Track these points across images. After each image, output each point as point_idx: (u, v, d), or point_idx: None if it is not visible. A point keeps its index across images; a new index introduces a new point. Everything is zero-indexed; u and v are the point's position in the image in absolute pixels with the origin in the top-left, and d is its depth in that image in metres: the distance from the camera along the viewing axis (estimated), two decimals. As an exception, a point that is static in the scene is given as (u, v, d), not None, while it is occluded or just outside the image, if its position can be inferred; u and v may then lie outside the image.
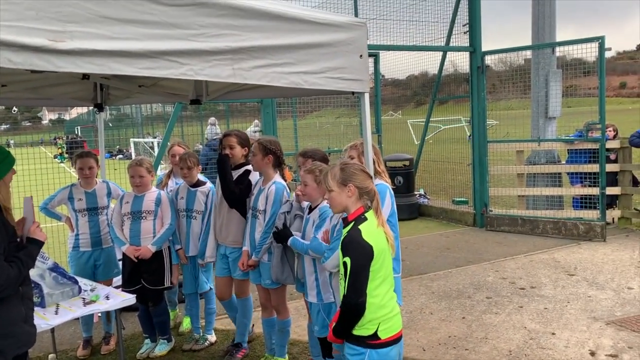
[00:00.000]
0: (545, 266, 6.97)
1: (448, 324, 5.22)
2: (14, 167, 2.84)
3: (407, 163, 10.60)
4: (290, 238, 3.67)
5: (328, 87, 3.17)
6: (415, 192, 10.96)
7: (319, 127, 13.04)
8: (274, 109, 7.70)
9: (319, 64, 3.08)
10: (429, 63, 11.52)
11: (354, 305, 2.68)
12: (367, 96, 3.45)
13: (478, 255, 7.63)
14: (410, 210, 10.44)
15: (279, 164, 4.22)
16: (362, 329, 2.72)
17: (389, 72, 13.06)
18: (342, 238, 2.79)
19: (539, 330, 5.00)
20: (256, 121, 10.79)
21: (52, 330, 4.46)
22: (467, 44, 9.33)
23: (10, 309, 2.63)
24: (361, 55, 3.33)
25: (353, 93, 3.48)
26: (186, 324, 5.29)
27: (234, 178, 4.42)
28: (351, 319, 2.73)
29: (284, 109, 10.40)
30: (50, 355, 4.33)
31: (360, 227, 2.74)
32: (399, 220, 10.44)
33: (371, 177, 2.93)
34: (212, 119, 12.99)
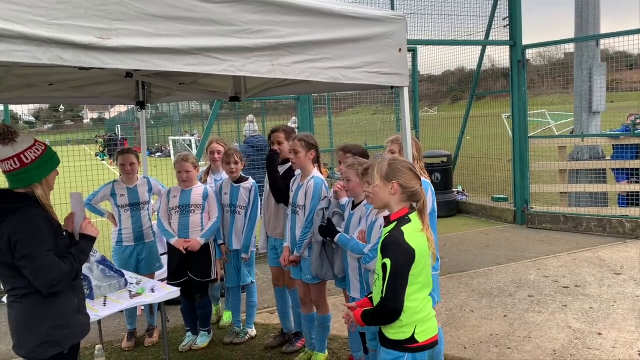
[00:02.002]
0: (589, 265, 6.77)
1: (489, 322, 5.13)
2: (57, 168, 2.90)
3: (445, 159, 10.46)
4: (338, 235, 3.62)
5: (367, 81, 3.15)
6: (453, 189, 10.81)
7: (355, 123, 12.99)
8: (311, 106, 7.71)
9: (357, 58, 3.07)
10: (465, 58, 11.34)
11: (391, 310, 2.60)
12: (406, 90, 3.42)
13: (519, 253, 7.47)
14: (448, 208, 10.30)
15: (317, 159, 4.23)
16: (399, 333, 2.66)
17: (424, 67, 12.94)
18: (382, 238, 2.70)
19: (585, 330, 4.86)
20: (294, 118, 10.82)
21: (99, 322, 4.59)
22: (507, 38, 9.14)
23: (64, 300, 2.71)
24: (400, 49, 3.30)
25: (392, 87, 3.45)
26: (227, 317, 5.37)
27: (281, 173, 4.49)
28: (385, 322, 2.68)
29: (319, 107, 10.42)
30: (97, 346, 4.44)
31: (403, 228, 2.64)
32: (437, 217, 10.31)
33: (419, 178, 2.76)
34: (250, 117, 13.12)
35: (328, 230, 3.73)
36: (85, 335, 2.88)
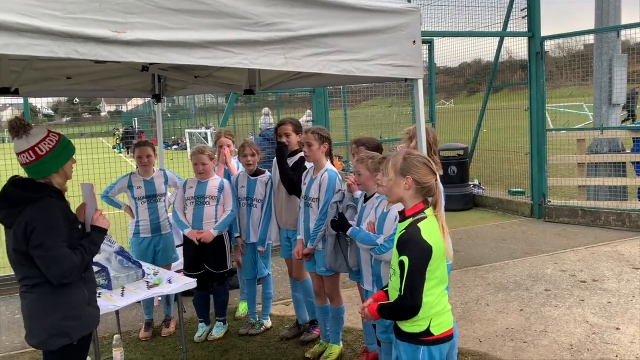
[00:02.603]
0: (608, 259, 6.68)
1: (505, 316, 5.10)
2: (74, 157, 2.93)
3: (461, 152, 10.38)
4: (350, 229, 3.62)
5: (380, 74, 3.13)
6: (470, 183, 10.73)
7: (371, 116, 12.94)
8: (327, 99, 7.70)
9: (371, 51, 3.05)
10: (482, 50, 11.20)
11: (410, 307, 2.60)
12: (421, 83, 3.39)
13: (536, 247, 7.41)
14: (464, 201, 10.24)
15: (330, 152, 4.24)
16: (414, 326, 2.66)
17: (440, 60, 12.80)
18: (399, 234, 2.67)
19: (603, 324, 4.81)
20: (309, 111, 10.82)
21: (117, 312, 4.67)
22: (526, 29, 9.01)
23: (74, 292, 2.75)
24: (414, 42, 3.27)
25: (406, 80, 3.43)
26: (242, 309, 5.42)
27: (291, 165, 4.51)
28: (403, 318, 2.68)
29: (335, 99, 10.39)
30: (116, 336, 4.52)
31: (419, 225, 2.62)
32: (453, 210, 10.32)
33: (434, 173, 2.73)
34: (265, 110, 13.13)
35: (340, 224, 3.74)
36: (95, 327, 2.91)
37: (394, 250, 2.69)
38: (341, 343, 4.45)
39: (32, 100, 6.94)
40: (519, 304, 5.38)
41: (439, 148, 10.04)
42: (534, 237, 7.96)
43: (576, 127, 9.05)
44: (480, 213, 9.98)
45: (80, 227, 2.90)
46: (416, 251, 2.57)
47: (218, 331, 4.94)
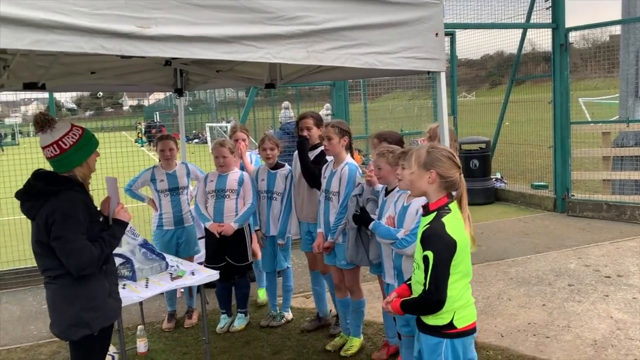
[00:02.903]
0: (633, 254, 6.57)
1: (527, 311, 5.06)
2: (97, 150, 2.98)
3: (483, 146, 10.28)
4: (372, 222, 3.60)
5: (402, 67, 3.12)
6: (492, 176, 10.62)
7: (392, 109, 12.88)
8: (347, 92, 7.69)
9: (393, 43, 3.04)
10: (504, 42, 11.04)
11: (434, 302, 2.59)
12: (443, 75, 3.37)
13: (559, 241, 7.32)
14: (486, 195, 10.14)
15: (350, 145, 4.24)
16: (437, 319, 2.65)
17: (462, 52, 12.66)
18: (423, 229, 2.66)
19: (627, 320, 4.75)
20: (327, 105, 10.80)
21: (141, 303, 4.75)
22: (549, 20, 8.86)
23: (95, 284, 2.79)
24: (437, 34, 3.25)
25: (429, 72, 3.41)
26: (262, 295, 5.49)
27: (312, 158, 4.53)
28: (427, 313, 2.68)
29: (354, 92, 10.36)
30: (139, 327, 4.61)
31: (443, 219, 2.60)
32: (475, 204, 10.22)
33: (458, 167, 2.70)
34: (285, 103, 13.16)
35: (362, 218, 3.73)
36: (115, 319, 2.96)
37: (418, 244, 2.68)
38: (361, 336, 4.46)
39: (55, 95, 7.07)
40: (541, 299, 5.33)
41: (460, 141, 10.00)
42: (556, 231, 7.86)
43: (605, 120, 8.88)
44: (502, 207, 9.89)
45: (102, 219, 2.95)
46: (440, 246, 2.56)
47: (239, 322, 4.99)
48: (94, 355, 2.90)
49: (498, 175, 11.02)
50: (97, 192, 3.04)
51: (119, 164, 7.55)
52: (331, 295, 4.71)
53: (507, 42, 10.89)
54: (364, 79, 10.43)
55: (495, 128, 11.22)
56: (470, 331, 2.71)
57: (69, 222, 2.64)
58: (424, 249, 2.60)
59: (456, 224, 2.62)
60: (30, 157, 5.99)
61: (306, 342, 4.63)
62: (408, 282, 2.88)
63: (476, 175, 10.07)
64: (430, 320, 2.67)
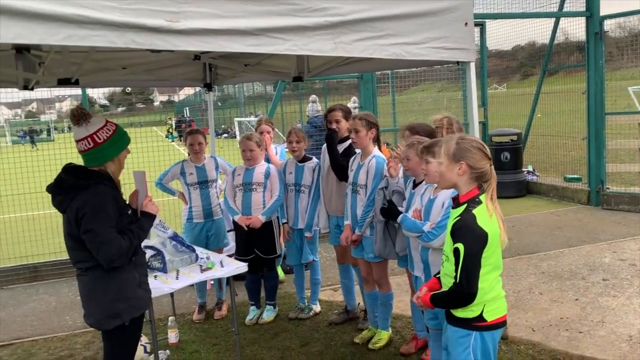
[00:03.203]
0: (671, 248, 6.38)
1: (560, 305, 4.97)
2: (129, 147, 3.03)
3: (514, 138, 10.09)
4: (400, 215, 3.57)
5: (431, 57, 3.09)
6: (523, 169, 10.43)
7: (420, 101, 12.74)
8: (374, 85, 7.64)
9: (421, 34, 3.01)
10: (536, 32, 10.80)
11: (465, 295, 2.57)
12: (472, 66, 3.33)
13: (593, 235, 7.15)
14: (517, 188, 9.97)
15: (377, 138, 4.22)
16: (466, 311, 2.62)
17: (492, 42, 12.43)
18: (453, 221, 2.62)
19: (664, 315, 4.62)
20: (354, 98, 10.76)
21: (172, 295, 4.84)
22: (583, 9, 8.62)
23: (125, 275, 2.85)
24: (466, 23, 3.21)
25: (458, 63, 3.36)
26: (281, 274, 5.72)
27: (341, 151, 4.52)
28: (457, 305, 2.65)
29: (383, 85, 10.28)
30: (170, 318, 4.69)
31: (474, 211, 2.56)
32: (506, 198, 10.08)
33: (489, 158, 2.66)
34: (313, 97, 13.17)
35: (389, 211, 3.71)
36: (145, 309, 3.01)
37: (448, 237, 2.65)
38: (390, 329, 4.45)
39: (88, 91, 7.21)
40: (574, 293, 5.22)
41: (491, 133, 9.85)
42: (590, 224, 7.68)
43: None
44: (534, 200, 9.71)
45: (130, 212, 3.00)
46: (471, 238, 2.53)
47: (268, 314, 5.04)
48: (126, 344, 2.97)
49: (530, 168, 10.81)
50: (126, 187, 3.08)
51: (149, 158, 7.67)
52: (360, 289, 4.71)
53: (539, 32, 10.66)
54: (392, 72, 10.36)
55: (526, 120, 10.99)
56: (500, 324, 2.68)
57: (98, 216, 2.70)
58: (455, 241, 2.57)
59: (487, 216, 2.58)
60: (64, 152, 6.14)
61: (334, 335, 4.64)
62: (438, 276, 2.85)
63: (507, 167, 9.90)
64: (460, 312, 2.64)
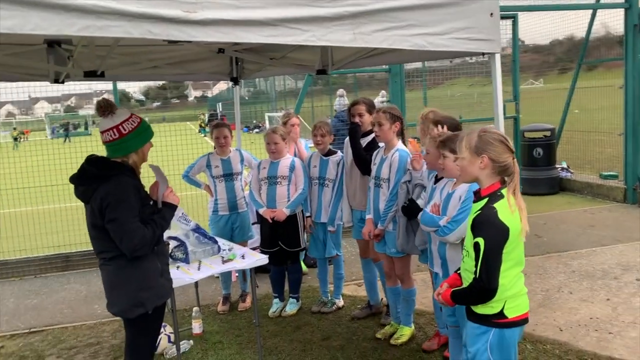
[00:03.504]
0: None
1: (589, 305, 4.83)
2: (152, 141, 3.07)
3: (547, 134, 9.83)
4: (421, 213, 3.47)
5: (454, 48, 3.01)
6: (557, 165, 10.16)
7: (450, 96, 12.56)
8: (402, 78, 7.54)
9: (444, 24, 2.94)
10: (575, 25, 10.48)
11: (485, 290, 2.51)
12: (498, 57, 3.24)
13: (628, 233, 6.91)
14: (550, 185, 9.72)
15: (401, 132, 4.16)
16: (486, 308, 2.56)
17: (529, 37, 12.15)
18: (474, 215, 2.57)
19: (700, 318, 4.44)
20: (383, 92, 10.67)
21: (196, 286, 4.90)
22: (622, 0, 8.32)
23: (148, 265, 2.89)
24: (492, 14, 3.12)
25: (483, 54, 3.28)
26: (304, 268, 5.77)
27: (364, 145, 4.49)
28: (477, 301, 2.59)
29: (414, 80, 10.18)
30: (195, 309, 4.75)
31: (495, 205, 2.51)
32: (538, 195, 9.86)
33: (511, 151, 2.59)
34: (340, 91, 13.11)
35: (410, 209, 3.65)
36: (167, 297, 3.05)
37: (468, 231, 2.60)
38: (412, 325, 4.40)
39: (124, 87, 7.38)
40: (605, 293, 5.07)
41: (523, 129, 9.63)
42: (626, 223, 7.43)
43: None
44: (567, 197, 9.45)
45: (151, 203, 3.04)
46: (492, 232, 2.47)
47: (291, 308, 5.05)
48: (148, 332, 3.02)
49: (564, 165, 10.52)
50: (147, 179, 3.13)
51: (182, 152, 7.76)
52: (382, 284, 4.67)
53: (577, 25, 10.34)
54: (423, 66, 10.24)
55: (561, 115, 10.70)
56: (521, 322, 2.61)
57: (122, 206, 2.74)
58: (475, 235, 2.51)
59: (509, 210, 2.51)
60: (97, 145, 6.26)
61: (356, 330, 4.62)
62: (458, 271, 2.80)
63: (540, 164, 9.67)
64: (479, 308, 2.59)
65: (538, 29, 11.10)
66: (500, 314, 2.55)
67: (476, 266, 2.51)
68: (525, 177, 9.43)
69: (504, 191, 2.57)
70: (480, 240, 2.48)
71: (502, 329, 2.56)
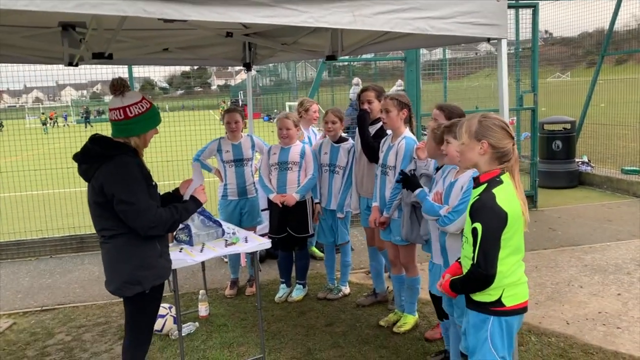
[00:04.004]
0: None
1: (599, 300, 4.74)
2: (158, 127, 3.08)
3: (567, 126, 9.62)
4: (419, 189, 3.46)
5: (458, 32, 2.97)
6: (577, 159, 9.96)
7: (466, 87, 12.40)
8: (418, 67, 7.45)
9: (448, 8, 2.90)
10: (606, 17, 10.19)
11: (483, 276, 2.48)
12: (504, 43, 3.18)
13: (645, 229, 6.77)
14: (569, 178, 9.54)
15: (409, 119, 4.12)
16: (484, 295, 2.54)
17: (557, 28, 11.90)
18: (472, 201, 2.55)
19: None
20: (400, 81, 10.56)
21: (203, 270, 4.96)
22: (649, -11, 8.10)
23: (147, 245, 2.92)
24: (498, -1, 3.07)
25: (489, 40, 3.22)
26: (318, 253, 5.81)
27: (373, 132, 4.46)
28: (476, 288, 2.57)
29: (434, 72, 10.06)
30: (201, 291, 4.81)
31: (494, 190, 2.48)
32: (555, 188, 9.69)
33: (512, 137, 2.57)
34: (355, 79, 13.00)
35: (409, 181, 3.57)
36: (166, 278, 3.07)
37: (467, 217, 2.57)
38: (416, 314, 4.39)
39: (149, 74, 7.45)
40: (616, 288, 4.97)
41: (542, 121, 9.45)
42: (644, 218, 7.28)
43: None
44: (586, 191, 9.27)
45: (154, 184, 3.04)
46: (490, 218, 2.44)
47: (297, 293, 5.07)
48: (145, 311, 3.05)
49: (585, 159, 10.32)
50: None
51: (204, 140, 7.77)
52: (387, 271, 4.66)
53: (607, 17, 10.05)
54: (444, 58, 10.11)
55: (582, 108, 10.48)
56: (519, 310, 2.58)
57: (128, 186, 2.77)
58: (473, 221, 2.49)
59: (508, 195, 2.49)
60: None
61: (360, 317, 4.63)
62: (459, 260, 2.77)
63: (559, 157, 9.50)
64: (477, 296, 2.57)
65: (566, 20, 10.86)
66: (498, 302, 2.53)
67: (474, 252, 2.48)
68: (543, 169, 9.28)
69: (503, 177, 2.54)
70: (478, 226, 2.45)
71: (500, 317, 2.54)
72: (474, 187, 2.60)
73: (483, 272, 2.47)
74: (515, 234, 2.51)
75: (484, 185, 2.53)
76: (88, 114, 34.99)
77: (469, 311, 2.65)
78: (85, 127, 25.05)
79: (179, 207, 2.95)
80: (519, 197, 2.54)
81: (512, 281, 2.54)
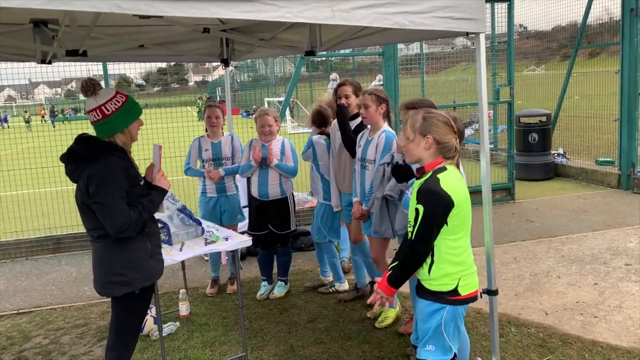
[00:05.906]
0: (702, 234, 6.11)
1: (577, 290, 4.83)
2: (141, 119, 3.03)
3: (543, 119, 9.77)
4: (412, 180, 3.46)
5: (437, 27, 2.96)
6: (553, 151, 10.12)
7: (443, 82, 12.48)
8: (396, 62, 7.47)
9: (426, 2, 2.89)
10: (579, 12, 10.36)
11: (416, 250, 2.58)
12: (482, 37, 3.19)
13: (620, 219, 6.90)
14: (545, 170, 9.69)
15: (387, 114, 4.12)
16: (441, 285, 2.62)
17: (531, 22, 12.03)
18: (417, 186, 2.63)
19: (686, 303, 4.43)
20: (379, 76, 10.57)
21: (183, 269, 4.91)
22: (620, -17, 8.23)
23: (137, 245, 2.88)
24: (476, -7, 3.07)
25: (467, 34, 3.24)
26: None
27: (353, 127, 4.45)
28: (411, 266, 2.64)
29: (412, 67, 10.09)
30: (182, 291, 4.76)
31: (438, 175, 2.58)
32: (532, 180, 9.83)
33: (455, 132, 2.68)
34: (333, 75, 13.01)
35: (403, 171, 3.57)
36: (156, 279, 3.03)
37: (412, 201, 2.65)
38: (398, 306, 4.41)
39: (125, 71, 7.32)
40: (593, 278, 5.06)
41: (519, 114, 9.58)
42: (618, 208, 7.42)
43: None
44: (562, 183, 9.43)
45: (143, 183, 3.01)
46: (433, 200, 2.55)
47: (279, 290, 5.06)
48: (133, 312, 3.00)
49: (561, 151, 10.49)
50: (142, 162, 3.10)
51: (180, 137, 7.70)
52: (368, 265, 4.67)
53: (580, 12, 10.22)
54: (421, 52, 10.16)
55: (557, 101, 10.64)
56: (471, 299, 2.69)
57: (107, 186, 2.72)
58: (417, 202, 2.59)
59: (452, 181, 2.60)
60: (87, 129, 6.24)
61: (342, 312, 4.63)
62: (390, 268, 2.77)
63: (535, 149, 9.64)
64: (435, 285, 2.64)
65: (541, 15, 11.00)
66: (455, 291, 2.63)
67: (412, 230, 2.58)
68: (520, 162, 9.41)
69: (447, 165, 2.65)
70: (420, 207, 2.56)
71: (455, 306, 2.64)
72: (418, 177, 2.70)
73: (419, 246, 2.58)
74: (464, 220, 2.62)
75: (429, 174, 2.64)
76: (54, 113, 34.38)
77: (419, 300, 2.73)
78: (54, 127, 24.42)
79: (145, 203, 2.87)
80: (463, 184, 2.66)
81: (465, 269, 2.65)
